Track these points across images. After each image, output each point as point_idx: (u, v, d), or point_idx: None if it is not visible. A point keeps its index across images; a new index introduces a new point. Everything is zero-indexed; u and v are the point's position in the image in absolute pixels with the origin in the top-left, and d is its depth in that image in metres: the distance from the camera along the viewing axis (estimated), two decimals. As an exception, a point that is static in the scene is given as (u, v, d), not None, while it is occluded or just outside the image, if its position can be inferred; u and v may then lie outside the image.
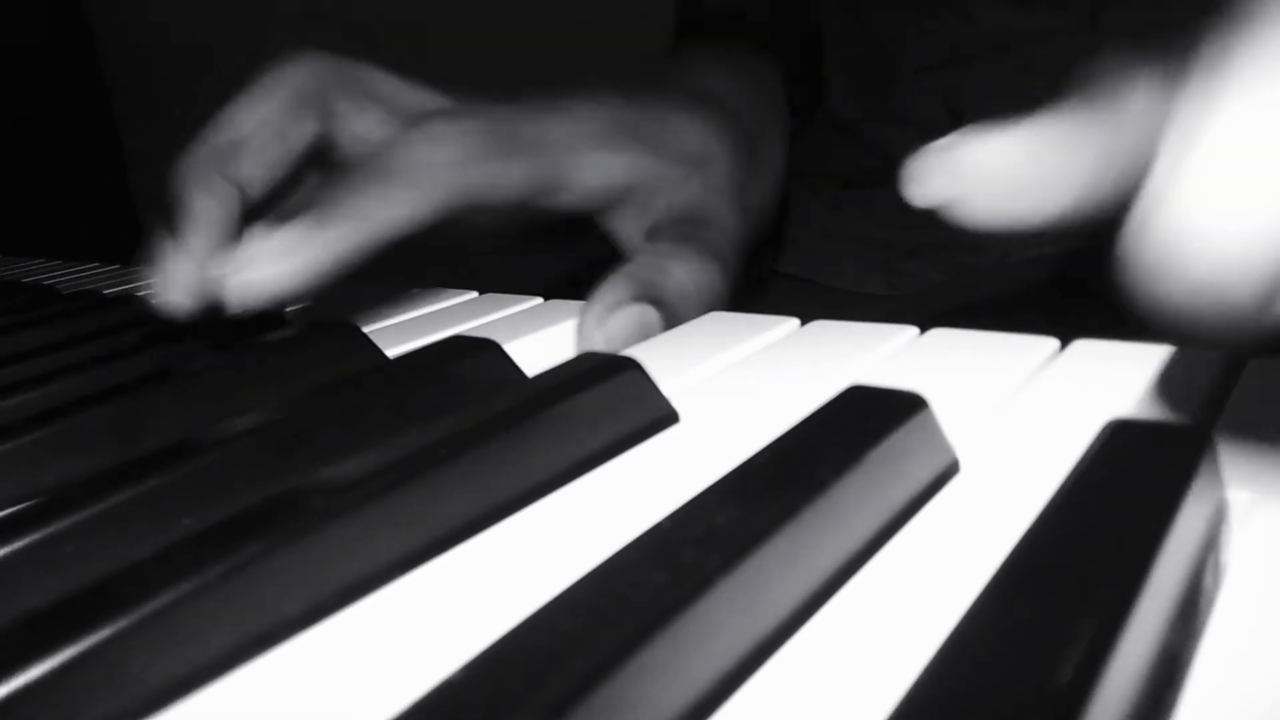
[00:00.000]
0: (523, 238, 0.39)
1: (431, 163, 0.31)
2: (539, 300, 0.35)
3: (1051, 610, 0.12)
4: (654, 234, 0.36)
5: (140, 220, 1.56)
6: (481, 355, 0.26)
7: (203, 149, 0.32)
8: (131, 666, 0.14)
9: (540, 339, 0.31)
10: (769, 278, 0.59)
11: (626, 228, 0.39)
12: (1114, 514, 0.14)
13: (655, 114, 0.38)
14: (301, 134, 0.34)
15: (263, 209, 0.35)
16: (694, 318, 0.32)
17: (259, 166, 0.34)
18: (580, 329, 0.30)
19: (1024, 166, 0.21)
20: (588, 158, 0.34)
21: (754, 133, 0.44)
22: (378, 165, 0.31)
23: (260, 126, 0.33)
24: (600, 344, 0.30)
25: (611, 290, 0.31)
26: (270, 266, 0.29)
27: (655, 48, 0.63)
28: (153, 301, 0.31)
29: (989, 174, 0.21)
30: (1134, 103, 0.21)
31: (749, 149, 0.43)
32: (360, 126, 0.34)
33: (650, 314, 0.31)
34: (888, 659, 0.14)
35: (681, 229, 0.36)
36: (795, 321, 0.29)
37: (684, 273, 0.33)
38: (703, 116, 0.40)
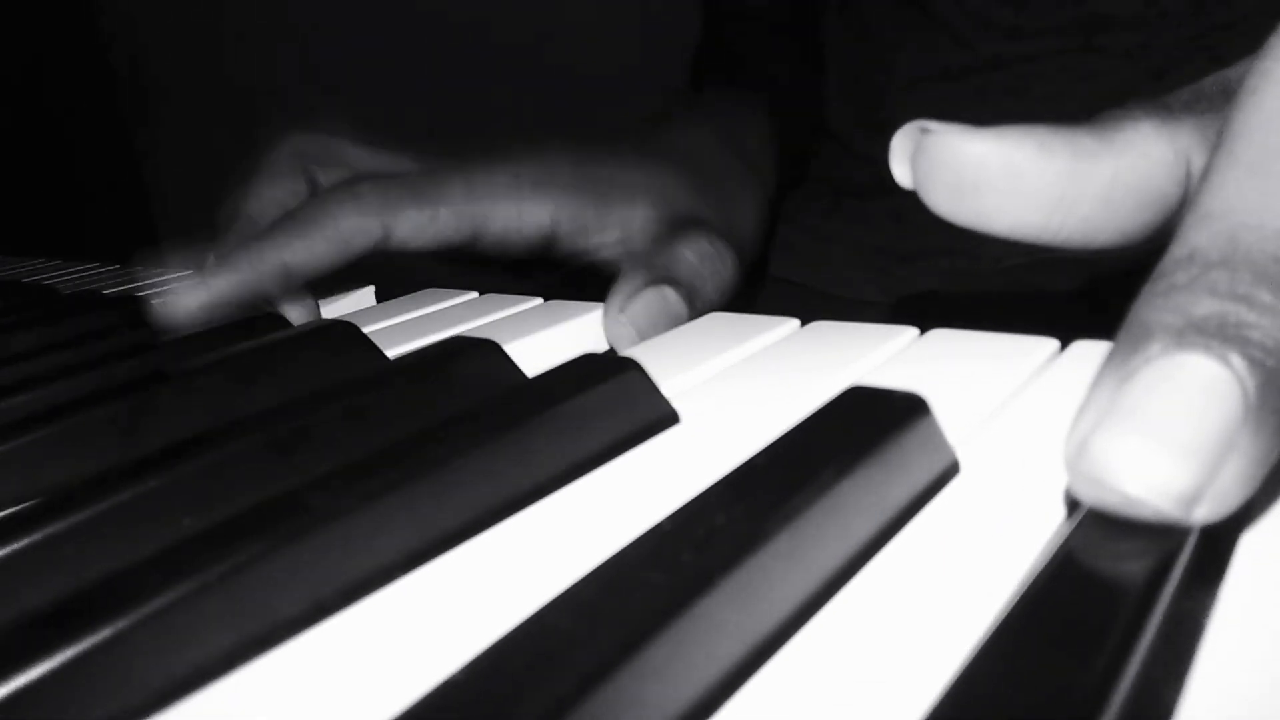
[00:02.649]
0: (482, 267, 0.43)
1: (339, 215, 0.36)
2: (539, 300, 0.35)
3: (1071, 625, 0.12)
4: (655, 238, 0.39)
5: (152, 218, 1.56)
6: (482, 355, 0.26)
7: (233, 234, 0.39)
8: (132, 667, 0.14)
9: (540, 339, 0.31)
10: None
11: (600, 254, 0.41)
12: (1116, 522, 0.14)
13: (595, 170, 0.41)
14: (296, 198, 0.40)
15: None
16: (711, 293, 0.35)
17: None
18: (606, 321, 0.32)
19: (996, 168, 0.21)
20: (507, 204, 0.38)
21: (715, 172, 0.46)
22: (291, 217, 0.36)
23: (270, 205, 0.40)
24: (627, 329, 0.32)
25: (627, 279, 0.33)
26: (185, 296, 0.35)
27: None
28: (156, 304, 0.36)
29: (959, 167, 0.21)
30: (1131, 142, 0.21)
31: (713, 187, 0.45)
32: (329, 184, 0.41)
33: (669, 293, 0.33)
34: (888, 660, 0.14)
35: (679, 221, 0.39)
36: (795, 322, 0.29)
37: (691, 251, 0.35)
38: (651, 164, 0.43)
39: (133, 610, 0.14)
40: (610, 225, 0.41)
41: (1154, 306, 0.15)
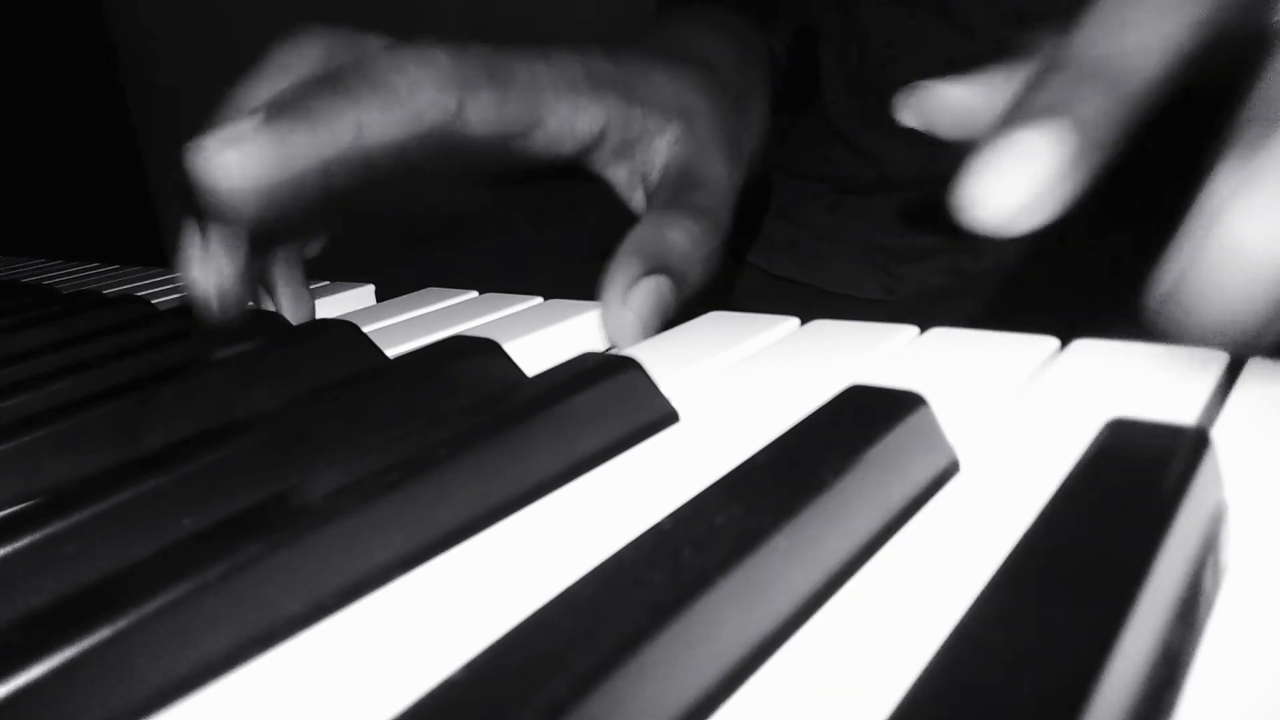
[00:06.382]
0: (499, 188, 0.41)
1: (419, 79, 0.31)
2: (539, 300, 0.35)
3: (1051, 611, 0.12)
4: (652, 197, 0.39)
5: (156, 217, 1.56)
6: (482, 355, 0.26)
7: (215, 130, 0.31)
8: (132, 666, 0.14)
9: (540, 339, 0.31)
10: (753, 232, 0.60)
11: (619, 177, 0.41)
12: (1113, 514, 0.14)
13: (635, 68, 0.40)
14: None
15: None
16: (699, 277, 0.35)
17: None
18: (607, 313, 0.32)
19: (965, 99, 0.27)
20: (567, 99, 0.36)
21: (737, 86, 0.45)
22: (363, 70, 0.31)
23: None
24: (631, 320, 0.32)
25: (622, 268, 0.33)
26: (224, 150, 0.27)
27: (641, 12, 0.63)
28: (190, 305, 0.32)
29: (965, 108, 0.27)
30: None
31: (733, 99, 0.44)
32: None
33: (663, 282, 0.33)
34: (888, 659, 0.14)
35: (674, 193, 0.38)
36: (795, 321, 0.29)
37: (681, 236, 0.35)
38: (682, 73, 0.42)
39: (133, 610, 0.14)
40: (641, 145, 0.39)
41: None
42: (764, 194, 0.60)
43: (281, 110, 0.29)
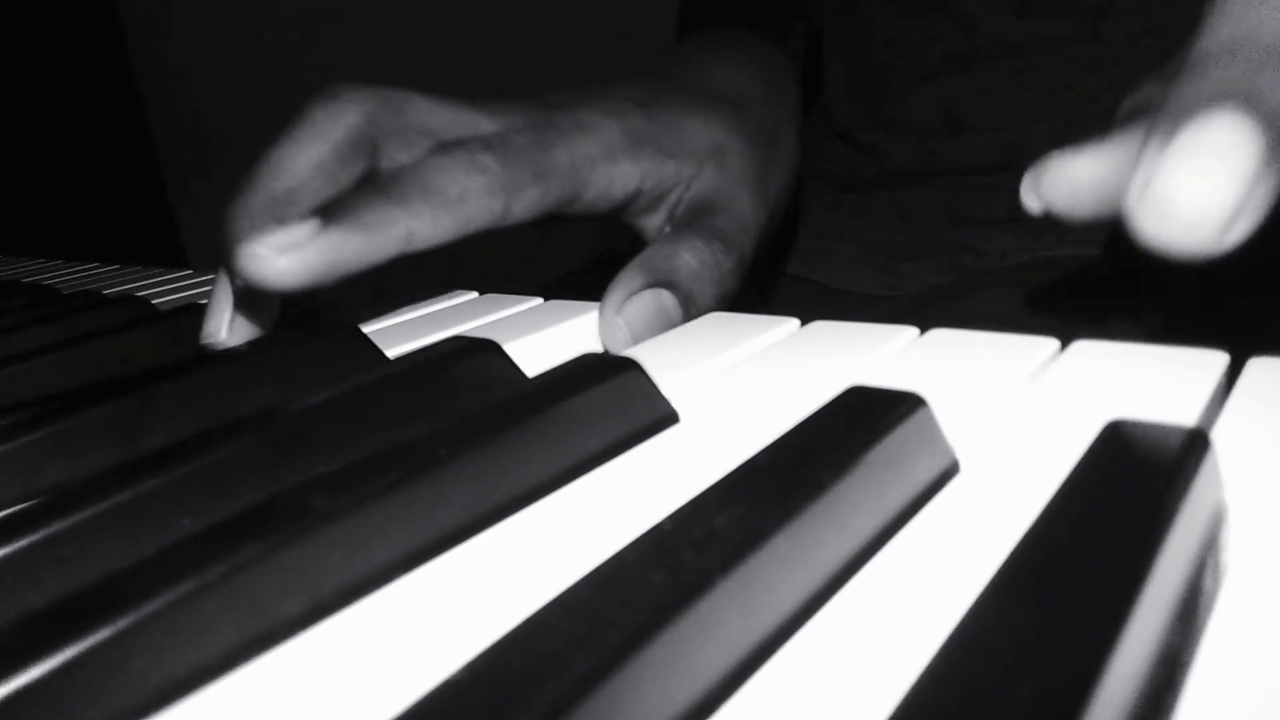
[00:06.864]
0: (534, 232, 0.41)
1: (468, 189, 0.33)
2: (539, 300, 0.35)
3: (1051, 612, 0.12)
4: (670, 224, 0.40)
5: (174, 219, 1.55)
6: (482, 356, 0.26)
7: (254, 196, 0.32)
8: (132, 666, 0.14)
9: (540, 339, 0.31)
10: (783, 263, 0.60)
11: (650, 224, 0.41)
12: (1113, 516, 0.14)
13: (667, 119, 0.40)
14: (351, 175, 0.34)
15: None
16: (710, 300, 0.35)
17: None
18: (601, 321, 0.32)
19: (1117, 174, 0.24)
20: (604, 170, 0.37)
21: (767, 119, 0.45)
22: (416, 180, 0.32)
23: (313, 172, 0.33)
24: (622, 330, 0.31)
25: (625, 280, 0.33)
26: (276, 257, 0.29)
27: (660, 37, 0.62)
28: (201, 339, 0.33)
29: (1092, 182, 0.24)
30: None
31: (764, 137, 0.44)
32: (405, 158, 0.35)
33: (665, 296, 0.33)
34: (887, 660, 0.14)
35: (690, 217, 0.39)
36: (795, 322, 0.29)
37: (692, 256, 0.35)
38: (714, 113, 0.42)
39: (133, 610, 0.14)
40: (674, 194, 0.40)
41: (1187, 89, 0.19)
42: (790, 230, 0.60)
43: (336, 218, 0.30)
